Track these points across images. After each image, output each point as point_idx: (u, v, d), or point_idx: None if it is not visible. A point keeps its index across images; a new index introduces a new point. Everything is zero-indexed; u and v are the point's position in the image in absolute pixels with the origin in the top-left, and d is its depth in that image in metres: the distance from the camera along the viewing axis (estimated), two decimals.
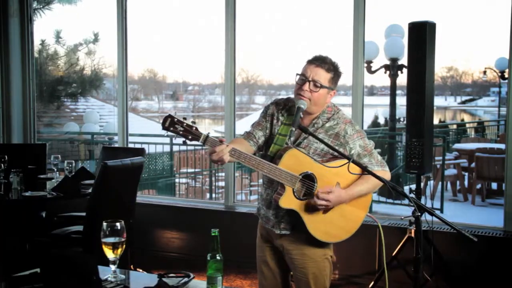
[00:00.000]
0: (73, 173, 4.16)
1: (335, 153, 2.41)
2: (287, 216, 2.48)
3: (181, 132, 2.21)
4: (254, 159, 2.34)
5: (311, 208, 2.41)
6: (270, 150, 2.48)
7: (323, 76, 2.41)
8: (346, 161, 2.29)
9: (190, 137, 2.22)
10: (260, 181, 7.98)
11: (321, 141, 2.36)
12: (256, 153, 2.56)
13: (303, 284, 2.54)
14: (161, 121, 2.27)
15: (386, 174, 2.53)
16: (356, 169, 2.37)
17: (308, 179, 2.40)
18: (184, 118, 2.25)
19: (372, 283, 3.85)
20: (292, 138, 2.46)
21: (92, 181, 3.87)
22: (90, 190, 3.79)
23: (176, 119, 2.21)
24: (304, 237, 2.49)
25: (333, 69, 2.45)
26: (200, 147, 8.52)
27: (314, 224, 2.44)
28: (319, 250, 2.53)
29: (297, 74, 2.46)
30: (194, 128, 2.22)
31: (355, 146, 2.47)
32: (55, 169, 4.28)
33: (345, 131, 2.46)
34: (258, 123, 2.60)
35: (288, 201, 2.39)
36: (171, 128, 2.22)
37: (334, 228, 2.48)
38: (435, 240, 3.68)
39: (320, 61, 2.43)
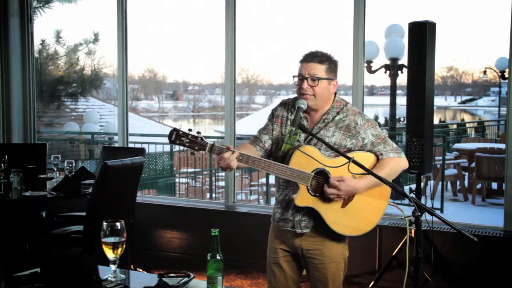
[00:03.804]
0: (73, 173, 4.16)
1: (346, 147, 2.44)
2: (307, 214, 2.48)
3: (187, 144, 2.26)
4: (263, 161, 2.36)
5: (328, 203, 2.41)
6: (281, 150, 2.47)
7: (318, 68, 2.43)
8: (346, 160, 2.29)
9: (196, 147, 2.26)
10: (261, 180, 8.04)
11: (321, 140, 2.37)
12: (264, 157, 2.55)
13: (321, 284, 2.54)
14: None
15: (402, 161, 2.54)
16: (367, 163, 2.38)
17: (322, 175, 2.41)
18: (190, 130, 2.29)
19: (372, 283, 3.85)
20: (303, 136, 2.46)
21: (92, 181, 3.87)
22: (90, 190, 3.79)
23: (181, 132, 2.26)
24: (323, 235, 2.49)
25: (326, 60, 2.45)
26: None
27: (334, 218, 2.44)
28: (338, 250, 2.54)
29: (294, 76, 2.48)
30: (199, 138, 2.26)
31: (367, 136, 2.48)
32: (55, 169, 4.28)
33: (355, 122, 2.47)
34: (264, 127, 2.61)
35: (304, 199, 2.39)
36: (177, 141, 2.27)
37: (354, 221, 2.48)
38: (435, 240, 3.68)
39: (311, 56, 2.45)
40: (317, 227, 2.48)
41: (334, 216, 2.44)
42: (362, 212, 2.49)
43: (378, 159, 2.50)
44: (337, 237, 2.50)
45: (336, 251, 2.54)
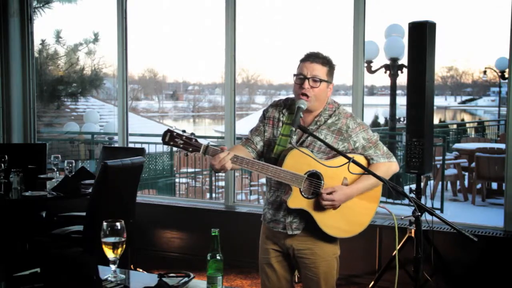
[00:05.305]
0: (73, 173, 4.16)
1: (339, 149, 2.42)
2: (298, 216, 2.48)
3: (181, 145, 2.24)
4: (257, 163, 2.36)
5: (321, 206, 2.42)
6: (273, 151, 2.48)
7: (320, 70, 2.43)
8: (346, 160, 2.28)
9: (190, 149, 2.25)
10: (261, 181, 8.04)
11: (321, 140, 2.37)
12: (256, 159, 2.55)
13: (314, 283, 2.54)
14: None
15: (393, 166, 2.55)
16: (361, 162, 2.36)
17: (315, 177, 2.41)
18: (184, 131, 2.27)
19: (372, 283, 3.85)
20: (295, 137, 2.46)
21: (92, 181, 3.87)
22: (90, 190, 3.79)
23: (175, 133, 2.24)
24: (315, 235, 2.50)
25: (327, 62, 2.46)
26: None
27: (326, 221, 2.44)
28: (330, 249, 2.55)
29: (294, 75, 2.47)
30: (193, 140, 2.24)
31: (359, 139, 2.49)
32: (55, 169, 4.28)
33: (347, 125, 2.48)
34: (256, 128, 2.60)
35: (296, 201, 2.40)
36: (171, 142, 2.24)
37: (346, 223, 2.49)
38: (435, 240, 3.68)
39: (313, 57, 2.45)
40: (308, 228, 2.49)
41: (325, 218, 2.45)
42: (353, 214, 2.50)
43: (369, 163, 2.52)
44: (328, 237, 2.51)
45: (328, 250, 2.54)
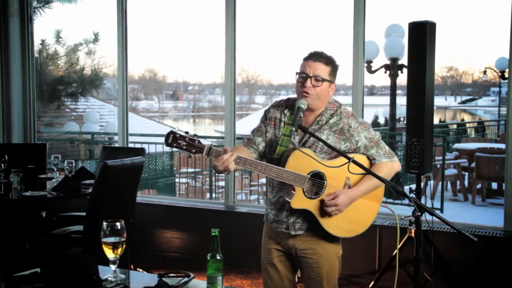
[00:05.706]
0: (73, 173, 4.16)
1: (341, 150, 2.43)
2: (301, 216, 2.48)
3: (184, 147, 2.22)
4: (260, 164, 2.35)
5: (324, 208, 2.41)
6: (276, 152, 2.47)
7: (323, 69, 2.43)
8: (346, 160, 2.28)
9: (193, 150, 2.23)
10: (261, 181, 8.04)
11: (321, 140, 2.37)
12: (258, 159, 2.54)
13: (316, 283, 2.54)
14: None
15: (395, 165, 2.56)
16: (362, 162, 2.36)
17: (317, 177, 2.41)
18: (186, 132, 2.25)
19: (372, 283, 3.85)
20: (297, 138, 2.45)
21: (92, 181, 3.87)
22: (90, 190, 3.79)
23: (178, 135, 2.21)
24: (317, 235, 2.50)
25: (331, 62, 2.46)
26: None
27: (328, 220, 2.45)
28: (332, 249, 2.55)
29: (296, 73, 2.47)
30: (196, 141, 2.23)
31: (361, 138, 2.48)
32: (55, 169, 4.28)
33: (349, 125, 2.47)
34: (257, 129, 2.60)
35: (300, 201, 2.39)
36: (174, 144, 2.22)
37: (348, 223, 2.49)
38: (435, 240, 3.68)
39: (317, 56, 2.45)
40: (311, 228, 2.49)
41: (328, 218, 2.44)
42: (356, 214, 2.50)
43: (371, 163, 2.52)
44: (331, 237, 2.51)
45: (330, 250, 2.54)
